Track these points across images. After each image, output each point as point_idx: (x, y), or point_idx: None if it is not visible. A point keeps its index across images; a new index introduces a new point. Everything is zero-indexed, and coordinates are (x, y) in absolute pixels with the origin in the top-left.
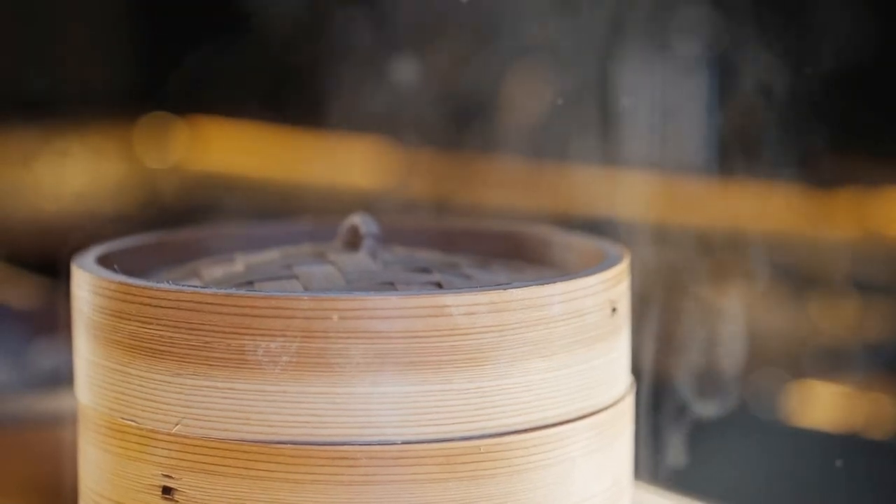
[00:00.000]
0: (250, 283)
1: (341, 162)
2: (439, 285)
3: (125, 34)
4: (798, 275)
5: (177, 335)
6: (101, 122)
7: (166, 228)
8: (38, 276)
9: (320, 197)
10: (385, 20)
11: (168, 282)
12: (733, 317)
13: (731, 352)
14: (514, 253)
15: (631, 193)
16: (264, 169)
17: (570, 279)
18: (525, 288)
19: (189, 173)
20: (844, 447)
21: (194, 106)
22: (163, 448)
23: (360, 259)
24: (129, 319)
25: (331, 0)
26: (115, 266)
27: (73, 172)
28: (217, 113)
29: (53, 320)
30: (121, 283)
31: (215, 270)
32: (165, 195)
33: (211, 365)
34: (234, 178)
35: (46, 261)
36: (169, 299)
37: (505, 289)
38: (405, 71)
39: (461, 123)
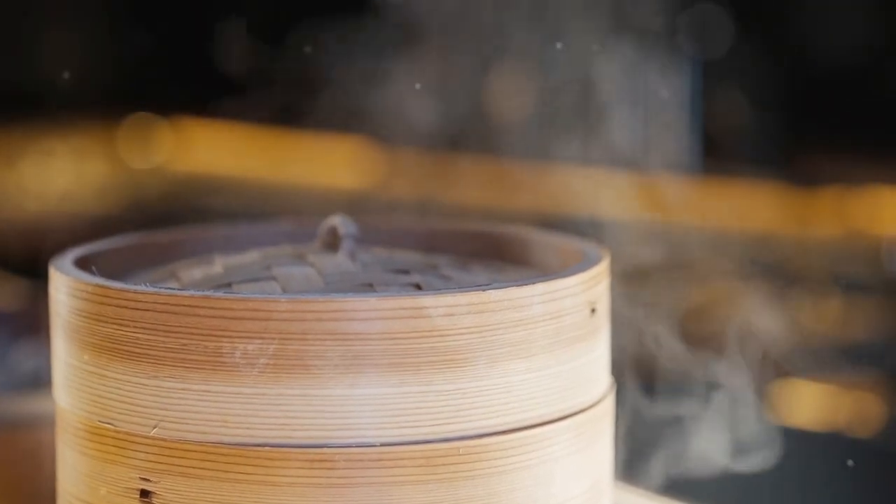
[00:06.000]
0: (229, 284)
1: (324, 163)
2: (418, 287)
3: (109, 35)
4: (781, 273)
5: (154, 337)
6: (85, 123)
7: (150, 229)
8: (20, 278)
9: (303, 198)
10: (369, 22)
11: (145, 284)
12: (716, 315)
13: (712, 350)
14: (495, 254)
15: (613, 193)
16: (247, 170)
17: (550, 280)
18: (504, 289)
19: (173, 174)
20: (827, 446)
21: (178, 107)
22: (140, 451)
23: (339, 260)
24: (107, 322)
25: (313, 1)
26: (93, 268)
27: (56, 173)
28: (200, 114)
29: (36, 322)
30: (98, 286)
31: (194, 272)
32: (149, 196)
33: (188, 367)
34: (218, 178)
35: (29, 262)
36: (146, 301)
37: (484, 290)
38: (388, 72)
39: (444, 124)
